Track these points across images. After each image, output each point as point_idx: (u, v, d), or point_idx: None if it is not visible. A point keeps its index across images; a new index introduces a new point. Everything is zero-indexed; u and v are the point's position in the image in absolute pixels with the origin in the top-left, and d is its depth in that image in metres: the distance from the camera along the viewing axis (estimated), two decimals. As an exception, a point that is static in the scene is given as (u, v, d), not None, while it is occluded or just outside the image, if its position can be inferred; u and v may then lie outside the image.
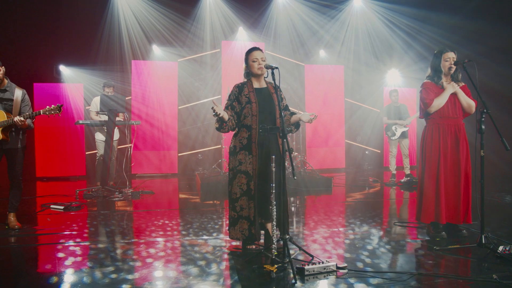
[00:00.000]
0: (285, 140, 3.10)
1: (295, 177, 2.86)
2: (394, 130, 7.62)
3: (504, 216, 4.97)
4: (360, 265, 3.18)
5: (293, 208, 5.68)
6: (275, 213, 3.11)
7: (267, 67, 3.35)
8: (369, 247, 3.66)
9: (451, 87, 3.83)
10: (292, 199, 6.34)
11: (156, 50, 9.57)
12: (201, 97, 9.77)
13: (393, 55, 10.34)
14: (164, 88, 9.21)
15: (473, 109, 3.86)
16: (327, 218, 4.88)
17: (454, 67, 3.85)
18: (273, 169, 3.07)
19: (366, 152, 10.77)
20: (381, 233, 4.17)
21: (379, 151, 10.73)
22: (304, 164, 8.04)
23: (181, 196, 6.92)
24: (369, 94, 10.66)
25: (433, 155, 3.86)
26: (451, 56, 3.87)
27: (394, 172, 7.81)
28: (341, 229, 4.35)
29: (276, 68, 3.28)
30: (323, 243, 3.83)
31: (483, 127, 3.36)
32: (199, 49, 9.79)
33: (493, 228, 4.19)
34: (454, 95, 3.85)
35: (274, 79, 3.30)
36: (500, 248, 3.30)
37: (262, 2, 9.82)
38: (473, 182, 3.82)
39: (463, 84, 3.97)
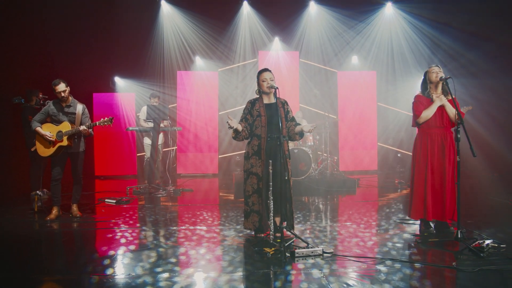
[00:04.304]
0: (282, 147, 3.80)
1: (286, 177, 3.55)
2: None
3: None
4: (346, 251, 3.80)
5: (320, 206, 6.30)
6: (272, 206, 3.82)
7: (271, 87, 4.08)
8: (362, 238, 4.25)
9: (438, 101, 4.32)
10: (316, 198, 6.96)
11: (199, 61, 10.56)
12: (239, 104, 10.60)
13: (423, 59, 10.53)
14: (205, 96, 10.14)
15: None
16: (338, 214, 5.48)
17: (440, 75, 4.31)
18: (270, 171, 3.78)
19: (399, 155, 11.05)
20: (378, 227, 4.73)
21: (411, 154, 10.93)
22: (333, 166, 8.60)
23: (217, 193, 7.77)
24: (401, 98, 10.91)
25: (422, 160, 4.38)
26: (436, 69, 4.37)
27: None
28: (347, 223, 4.95)
29: (277, 88, 4.00)
30: (321, 233, 4.48)
31: (459, 136, 3.85)
32: (237, 59, 10.66)
33: (495, 228, 4.61)
34: (442, 107, 4.33)
35: (275, 97, 4.00)
36: (474, 242, 3.76)
37: (294, 12, 10.47)
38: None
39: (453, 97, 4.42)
